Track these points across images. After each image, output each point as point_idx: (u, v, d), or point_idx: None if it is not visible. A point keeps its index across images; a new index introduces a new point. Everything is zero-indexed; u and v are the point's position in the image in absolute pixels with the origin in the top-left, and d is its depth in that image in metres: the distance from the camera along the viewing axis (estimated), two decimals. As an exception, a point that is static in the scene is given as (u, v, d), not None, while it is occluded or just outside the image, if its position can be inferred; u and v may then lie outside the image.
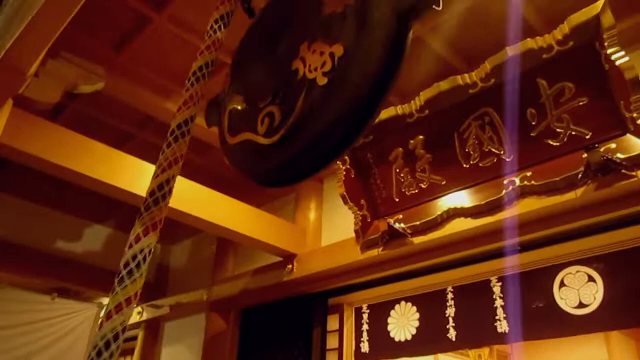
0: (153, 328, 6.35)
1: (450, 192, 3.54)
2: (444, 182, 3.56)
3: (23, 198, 5.64)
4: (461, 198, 3.47)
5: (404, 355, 4.27)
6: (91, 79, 3.56)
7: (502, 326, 3.61)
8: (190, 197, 4.12)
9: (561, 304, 3.39)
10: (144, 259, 1.11)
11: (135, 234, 1.14)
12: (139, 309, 6.37)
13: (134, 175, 3.86)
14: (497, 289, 3.73)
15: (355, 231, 3.98)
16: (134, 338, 6.52)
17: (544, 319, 3.43)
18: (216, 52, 1.42)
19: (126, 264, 1.11)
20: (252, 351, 5.03)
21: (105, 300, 6.71)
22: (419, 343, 4.09)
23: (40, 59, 2.80)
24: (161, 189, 1.21)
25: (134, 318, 6.42)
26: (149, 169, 3.97)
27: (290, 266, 4.62)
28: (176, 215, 4.14)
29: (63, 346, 6.03)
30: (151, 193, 1.20)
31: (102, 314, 6.26)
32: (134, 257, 1.11)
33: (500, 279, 3.75)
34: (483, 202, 3.31)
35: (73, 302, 6.38)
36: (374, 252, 3.92)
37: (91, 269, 6.01)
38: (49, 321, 6.02)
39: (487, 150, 3.32)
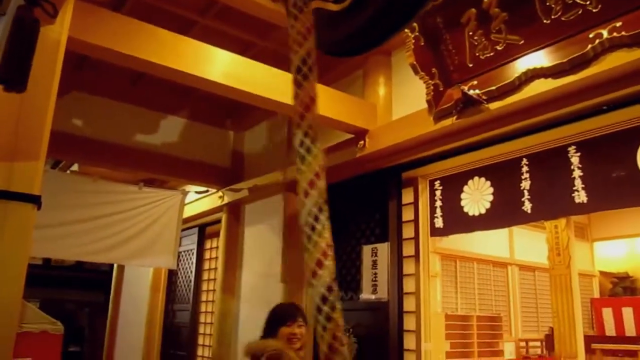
0: (235, 211, 6.68)
1: (529, 52, 3.31)
2: (522, 42, 3.33)
3: (101, 95, 5.83)
4: (541, 57, 3.25)
5: (479, 229, 4.29)
6: (148, -36, 3.49)
7: (580, 196, 3.50)
8: (258, 79, 4.10)
9: (644, 170, 3.22)
10: (315, 132, 1.10)
11: (299, 113, 1.12)
12: (220, 193, 6.69)
13: (201, 59, 3.86)
14: (575, 159, 3.57)
15: (428, 101, 3.87)
16: (219, 221, 6.93)
17: (626, 188, 3.29)
18: None
19: (301, 143, 1.10)
20: (331, 227, 5.21)
21: (189, 188, 7.09)
22: (493, 217, 4.07)
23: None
24: (305, 63, 1.17)
25: (216, 202, 6.77)
26: (216, 53, 3.96)
27: (362, 142, 4.62)
28: (246, 97, 4.16)
29: (154, 232, 6.48)
30: (298, 69, 1.17)
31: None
32: (306, 133, 1.10)
33: (578, 147, 3.57)
34: (566, 60, 3.09)
35: (159, 190, 6.76)
36: (448, 122, 3.82)
37: (171, 159, 6.28)
38: (139, 209, 6.43)
39: (570, 1, 3.02)
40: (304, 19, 1.17)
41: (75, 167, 7.23)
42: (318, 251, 1.03)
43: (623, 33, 2.86)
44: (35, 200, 2.73)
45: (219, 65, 3.94)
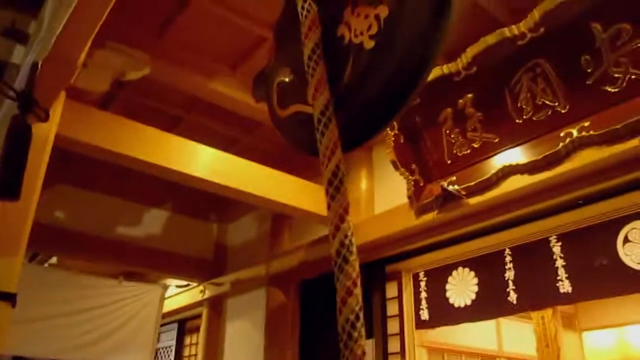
0: (216, 305, 6.54)
1: (505, 150, 3.45)
2: (497, 140, 3.47)
3: (85, 188, 5.85)
4: (516, 154, 3.38)
5: (465, 320, 4.24)
6: (137, 66, 3.63)
7: (565, 286, 3.51)
8: (243, 175, 4.18)
9: (626, 260, 3.25)
10: (351, 242, 1.13)
11: (334, 224, 1.15)
12: (201, 287, 6.57)
13: (186, 156, 3.94)
14: (557, 249, 3.62)
15: (409, 197, 3.95)
16: (199, 316, 6.75)
17: (609, 277, 3.31)
18: (317, 30, 1.39)
19: (338, 253, 1.13)
20: (314, 322, 5.10)
21: (169, 281, 6.96)
22: (479, 308, 4.04)
23: (87, 50, 2.86)
24: (336, 176, 1.20)
25: (197, 296, 6.63)
26: (201, 150, 4.05)
27: (345, 236, 4.62)
28: (230, 193, 4.22)
29: (132, 328, 6.26)
30: (329, 182, 1.20)
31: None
32: (342, 243, 1.13)
33: (560, 238, 3.63)
34: (540, 157, 3.21)
35: (139, 284, 6.62)
36: (429, 217, 3.88)
37: (153, 252, 6.22)
38: (118, 304, 6.25)
39: (540, 103, 3.20)
40: (330, 133, 1.22)
41: (53, 260, 7.09)
42: (354, 358, 1.04)
43: (592, 132, 3.00)
44: (10, 298, 2.66)
45: (204, 162, 4.02)
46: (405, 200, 4.03)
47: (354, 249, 1.15)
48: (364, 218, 4.70)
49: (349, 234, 1.15)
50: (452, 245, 4.19)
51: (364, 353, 1.06)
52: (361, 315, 1.08)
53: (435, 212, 3.82)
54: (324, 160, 1.24)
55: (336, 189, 1.20)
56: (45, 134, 3.00)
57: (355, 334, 1.07)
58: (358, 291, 1.10)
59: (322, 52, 1.35)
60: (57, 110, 3.11)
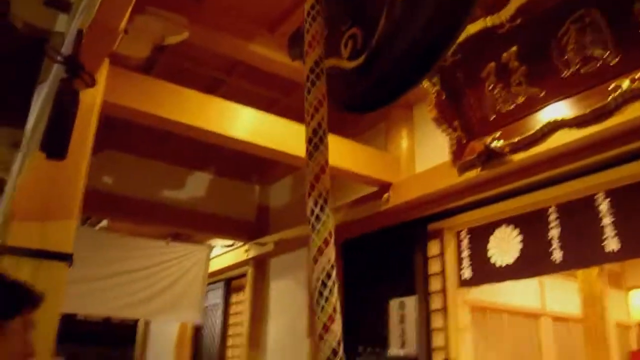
0: (260, 265, 6.70)
1: (551, 104, 3.34)
2: (542, 94, 3.36)
3: (131, 153, 6.01)
4: (563, 109, 3.27)
5: (507, 279, 4.21)
6: (176, 30, 3.64)
7: (612, 244, 3.43)
8: (283, 135, 4.19)
9: (677, 217, 3.17)
10: (325, 201, 1.14)
11: (310, 183, 1.17)
12: (246, 247, 6.72)
13: (227, 118, 3.98)
14: (604, 206, 3.52)
15: (451, 154, 3.90)
16: (244, 275, 6.93)
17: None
18: None
19: (311, 211, 1.15)
20: (357, 281, 5.16)
21: (215, 242, 7.14)
22: (522, 266, 4.00)
23: (128, 16, 2.89)
24: (316, 134, 1.21)
25: (242, 256, 6.79)
26: (241, 111, 4.08)
27: (386, 195, 4.63)
28: (271, 154, 4.24)
29: (181, 287, 6.49)
30: (309, 140, 1.22)
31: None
32: (315, 202, 1.15)
33: (608, 194, 3.53)
34: (588, 111, 3.11)
35: (186, 245, 6.82)
36: (472, 174, 3.83)
37: (198, 214, 6.37)
38: (165, 264, 6.47)
39: (589, 54, 3.07)
40: (316, 91, 1.22)
41: (104, 223, 7.36)
42: (325, 316, 1.05)
43: (644, 83, 2.88)
44: (67, 258, 2.79)
45: (244, 123, 4.05)
46: (448, 158, 3.98)
47: (327, 209, 1.15)
48: (405, 177, 4.69)
49: (324, 193, 1.15)
50: (496, 202, 4.13)
51: (335, 311, 1.07)
52: (333, 273, 1.09)
53: (479, 169, 3.77)
54: (307, 118, 1.25)
55: (315, 147, 1.20)
56: (92, 100, 3.08)
57: (326, 292, 1.08)
58: (330, 250, 1.11)
59: (321, 9, 1.33)
60: (101, 77, 3.18)
